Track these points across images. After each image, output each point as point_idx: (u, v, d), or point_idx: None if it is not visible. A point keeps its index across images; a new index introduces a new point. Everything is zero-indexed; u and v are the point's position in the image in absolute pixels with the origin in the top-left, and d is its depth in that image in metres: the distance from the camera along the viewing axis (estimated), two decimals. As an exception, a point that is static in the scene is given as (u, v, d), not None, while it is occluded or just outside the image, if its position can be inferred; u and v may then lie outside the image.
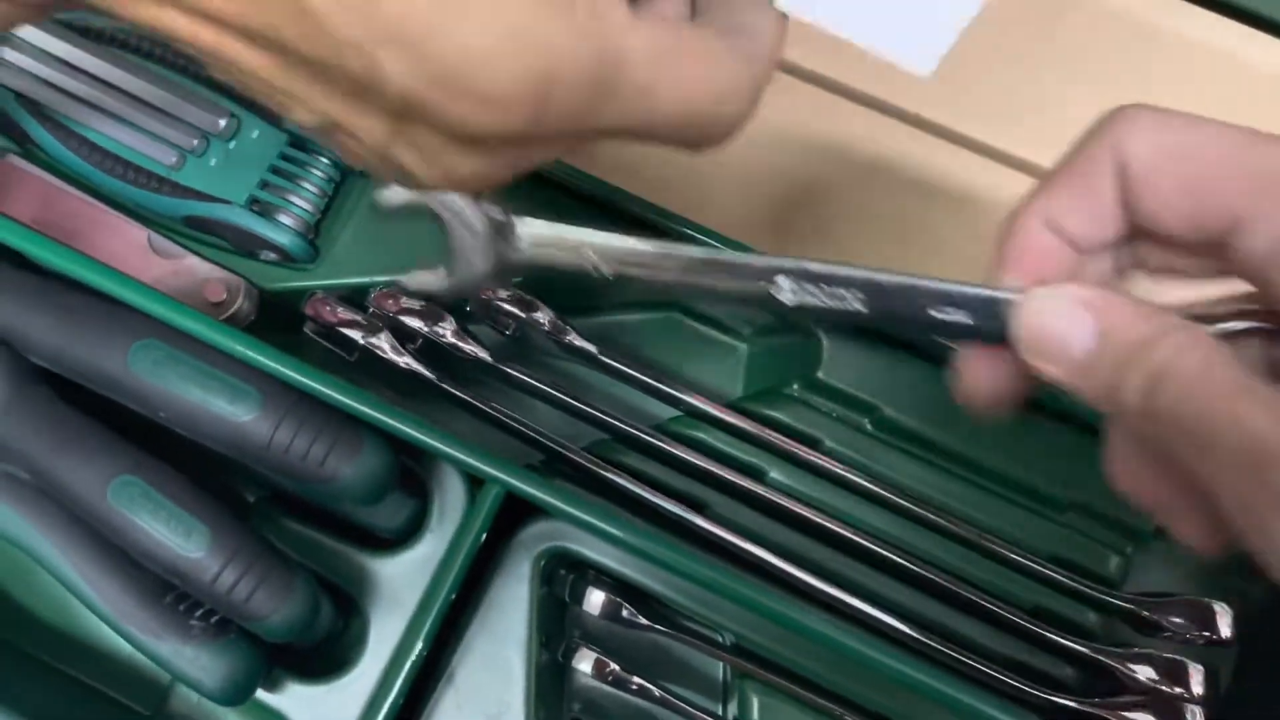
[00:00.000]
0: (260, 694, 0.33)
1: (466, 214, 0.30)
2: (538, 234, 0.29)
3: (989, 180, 0.43)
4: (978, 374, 0.27)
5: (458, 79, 0.21)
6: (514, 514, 0.33)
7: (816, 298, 0.27)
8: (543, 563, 0.33)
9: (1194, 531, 0.26)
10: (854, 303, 0.27)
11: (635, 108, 0.23)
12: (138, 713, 0.37)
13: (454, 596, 0.30)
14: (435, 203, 0.30)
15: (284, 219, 0.39)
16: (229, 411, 0.30)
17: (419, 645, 0.30)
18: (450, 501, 0.32)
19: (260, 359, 0.30)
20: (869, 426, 0.38)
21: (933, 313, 0.26)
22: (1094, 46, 0.44)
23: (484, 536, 0.31)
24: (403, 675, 0.30)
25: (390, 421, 0.30)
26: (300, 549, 0.34)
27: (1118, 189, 0.26)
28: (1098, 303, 0.25)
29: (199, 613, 0.32)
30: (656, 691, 0.33)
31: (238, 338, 0.30)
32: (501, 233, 0.29)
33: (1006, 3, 0.43)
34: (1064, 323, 0.25)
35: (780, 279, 0.27)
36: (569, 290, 0.38)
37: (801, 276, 0.27)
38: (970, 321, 0.26)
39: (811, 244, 0.43)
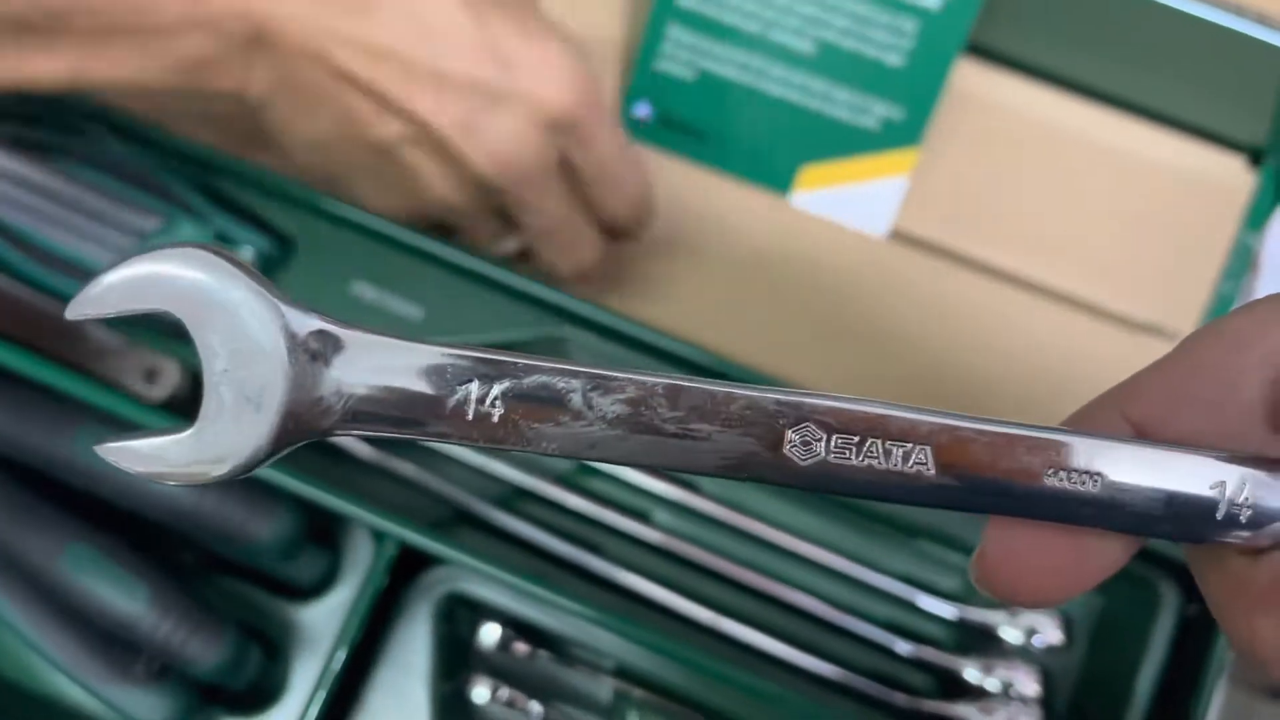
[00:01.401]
0: (196, 732, 0.37)
1: (251, 310, 0.19)
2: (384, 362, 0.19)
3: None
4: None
5: None
6: (417, 563, 0.37)
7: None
8: (441, 604, 0.37)
9: None
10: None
11: None
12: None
13: (361, 637, 0.35)
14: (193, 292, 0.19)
15: (213, 306, 0.43)
16: (162, 485, 0.34)
17: (331, 682, 0.35)
18: (360, 554, 0.37)
19: None
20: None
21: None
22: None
23: (386, 584, 0.35)
24: (318, 708, 0.35)
25: (301, 487, 0.35)
26: (230, 601, 0.38)
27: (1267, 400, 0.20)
28: None
29: (142, 659, 0.36)
30: (548, 713, 0.38)
31: (164, 419, 0.35)
32: (317, 356, 0.19)
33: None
34: None
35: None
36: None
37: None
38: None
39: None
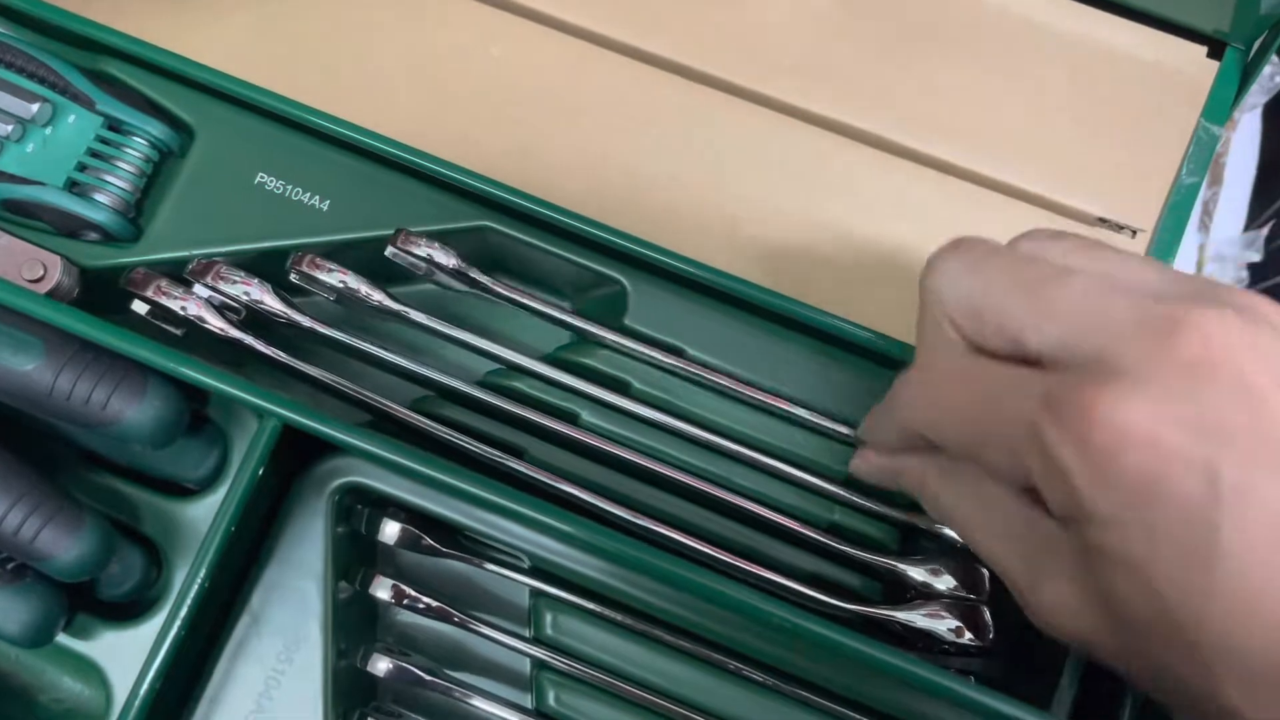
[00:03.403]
0: (69, 640, 0.34)
1: None
2: None
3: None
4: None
5: None
6: (309, 453, 0.34)
7: None
8: (337, 498, 0.34)
9: None
10: None
11: None
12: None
13: (240, 531, 0.32)
14: None
15: (101, 198, 0.40)
16: (12, 362, 0.31)
17: (204, 581, 0.32)
18: (249, 447, 0.34)
19: (38, 309, 0.32)
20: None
21: None
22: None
23: (265, 471, 0.33)
24: (194, 610, 0.32)
25: (164, 362, 0.32)
26: (105, 500, 0.35)
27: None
28: None
29: (-5, 560, 0.33)
30: (458, 616, 0.35)
31: (18, 293, 0.32)
32: None
33: None
34: None
35: None
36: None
37: None
38: None
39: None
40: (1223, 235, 0.63)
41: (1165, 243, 0.46)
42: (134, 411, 0.32)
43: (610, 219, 0.42)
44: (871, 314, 0.44)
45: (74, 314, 0.33)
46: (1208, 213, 0.63)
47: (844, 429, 0.39)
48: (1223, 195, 0.64)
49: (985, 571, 0.38)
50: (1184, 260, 0.61)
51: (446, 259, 0.39)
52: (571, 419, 0.39)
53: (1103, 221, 0.46)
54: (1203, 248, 0.63)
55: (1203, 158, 0.47)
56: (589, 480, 0.38)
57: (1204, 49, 0.48)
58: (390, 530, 0.34)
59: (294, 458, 0.34)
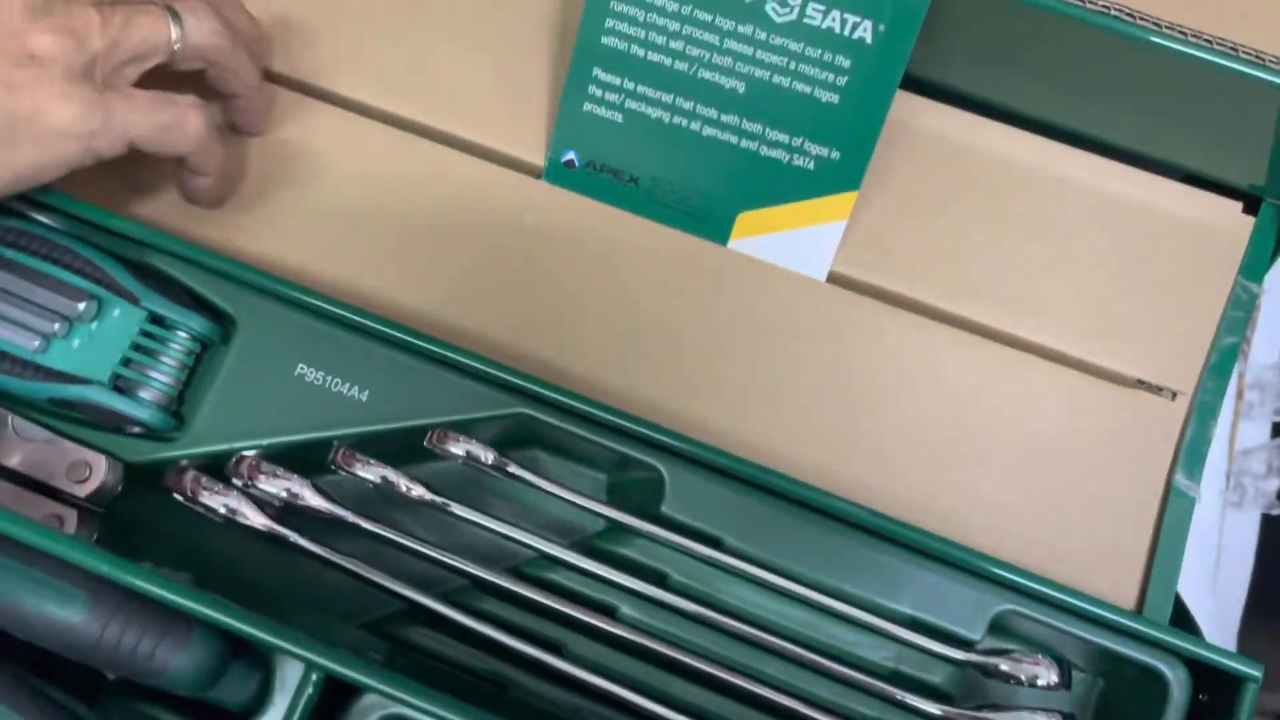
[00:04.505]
0: None
1: None
2: None
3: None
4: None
5: None
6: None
7: None
8: (382, 728, 0.35)
9: None
10: None
11: None
12: None
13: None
14: None
15: (146, 395, 0.40)
16: (58, 615, 0.31)
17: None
18: (289, 673, 0.34)
19: (87, 561, 0.32)
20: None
21: None
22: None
23: (312, 711, 0.33)
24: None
25: (211, 614, 0.32)
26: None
27: None
28: None
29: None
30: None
31: (66, 544, 0.32)
32: None
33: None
34: None
35: None
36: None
37: None
38: None
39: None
40: (1260, 361, 0.63)
41: (1207, 405, 0.46)
42: (179, 661, 0.32)
43: (646, 385, 0.42)
44: (905, 495, 0.44)
45: (120, 564, 0.33)
46: (1245, 340, 0.62)
47: (889, 625, 0.38)
48: (1260, 322, 0.63)
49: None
50: (1226, 408, 0.61)
51: (484, 455, 0.39)
52: (610, 612, 0.39)
53: (1141, 383, 0.46)
54: (1242, 376, 0.63)
55: (1240, 317, 0.47)
56: (631, 678, 0.38)
57: (1239, 204, 0.48)
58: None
59: (338, 690, 0.34)
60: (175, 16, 0.41)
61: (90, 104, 0.38)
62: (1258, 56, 0.43)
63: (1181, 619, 0.43)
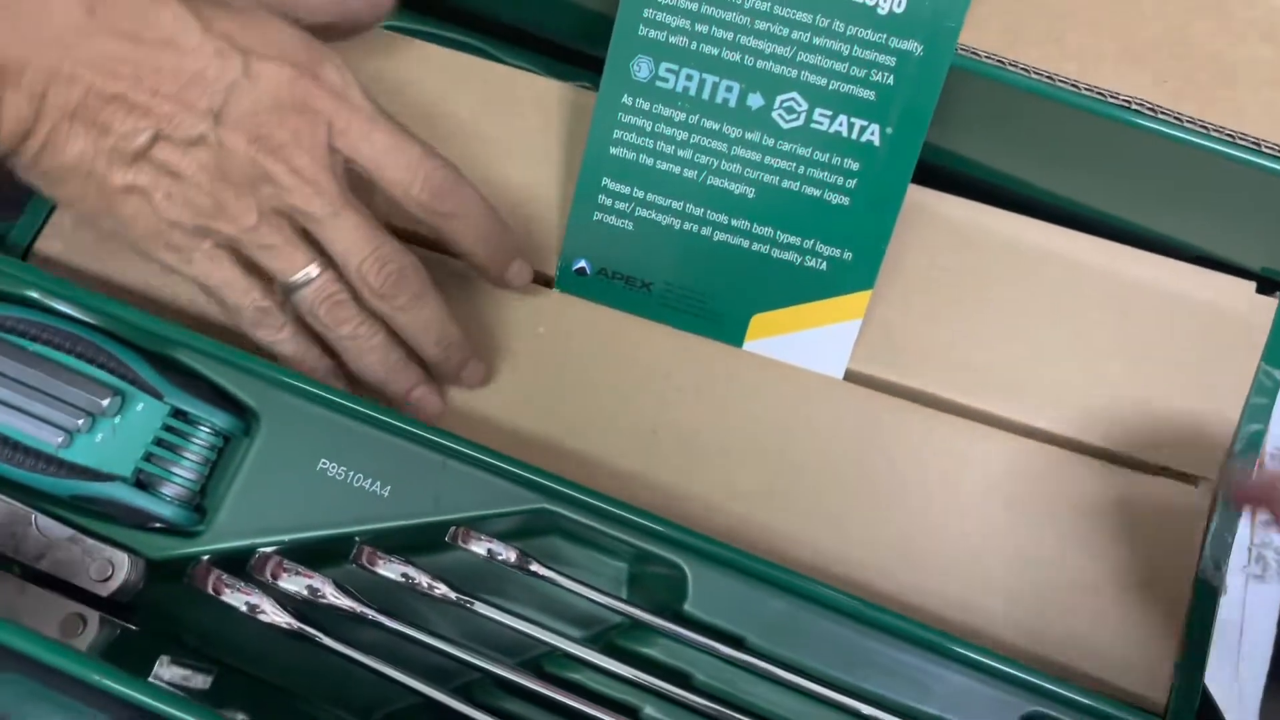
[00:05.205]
0: None
1: None
2: None
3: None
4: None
5: None
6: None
7: None
8: None
9: None
10: None
11: None
12: None
13: None
14: None
15: (168, 490, 0.40)
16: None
17: None
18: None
19: (110, 685, 0.32)
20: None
21: None
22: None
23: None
24: None
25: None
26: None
27: None
28: None
29: None
30: None
31: (89, 665, 0.32)
32: None
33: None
34: None
35: None
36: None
37: None
38: None
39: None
40: (1282, 431, 0.62)
41: (1231, 493, 0.46)
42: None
43: (666, 483, 0.42)
44: (931, 590, 0.43)
45: (142, 687, 0.33)
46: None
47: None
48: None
49: None
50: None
51: (507, 554, 0.39)
52: (634, 713, 0.39)
53: (1164, 470, 0.46)
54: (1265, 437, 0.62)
55: (1265, 404, 0.47)
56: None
57: (1252, 284, 0.48)
58: None
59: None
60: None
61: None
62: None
63: (1206, 708, 0.43)
